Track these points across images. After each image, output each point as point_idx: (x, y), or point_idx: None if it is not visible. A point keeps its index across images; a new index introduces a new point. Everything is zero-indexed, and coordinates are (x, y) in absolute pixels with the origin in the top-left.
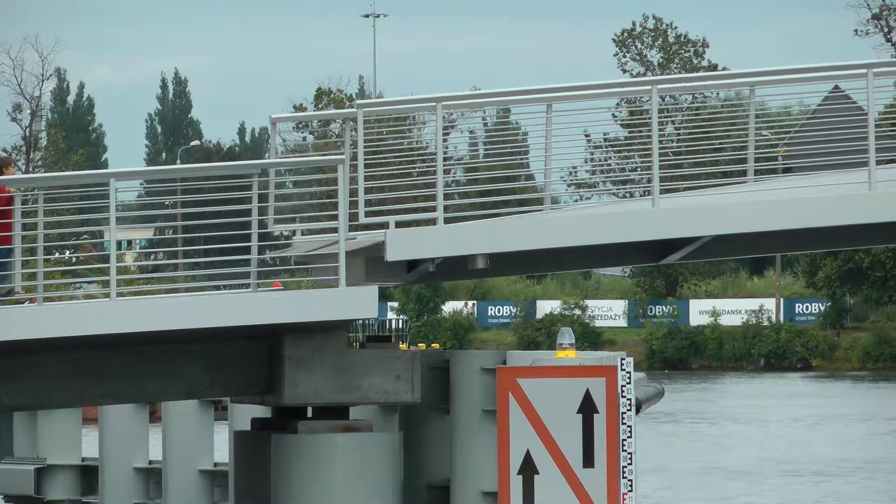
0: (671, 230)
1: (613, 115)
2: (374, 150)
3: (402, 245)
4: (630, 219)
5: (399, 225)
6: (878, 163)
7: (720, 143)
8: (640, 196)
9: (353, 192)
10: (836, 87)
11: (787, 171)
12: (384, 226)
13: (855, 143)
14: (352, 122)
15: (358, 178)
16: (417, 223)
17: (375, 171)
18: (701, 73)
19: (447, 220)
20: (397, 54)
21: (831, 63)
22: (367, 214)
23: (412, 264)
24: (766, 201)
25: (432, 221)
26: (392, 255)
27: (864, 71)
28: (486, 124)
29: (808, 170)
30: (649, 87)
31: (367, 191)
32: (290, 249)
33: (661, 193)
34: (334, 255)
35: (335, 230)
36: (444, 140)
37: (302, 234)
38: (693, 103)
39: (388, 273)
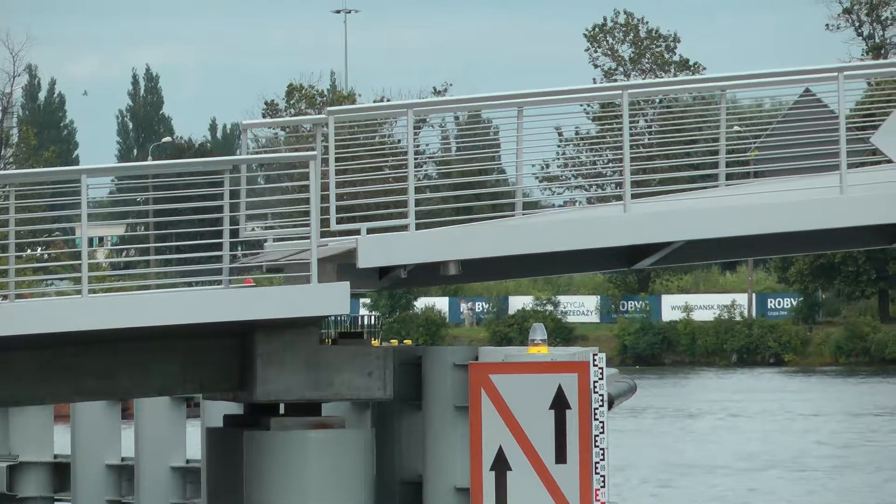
0: (642, 236)
1: (585, 110)
2: (344, 157)
3: (374, 252)
4: (601, 225)
5: (371, 231)
6: (850, 166)
7: (691, 141)
8: (612, 190)
9: (325, 199)
10: (807, 89)
11: (758, 174)
12: (356, 232)
13: (826, 147)
14: (322, 128)
15: (329, 185)
16: (389, 229)
17: (346, 178)
18: (671, 79)
19: (419, 223)
20: (368, 49)
21: (802, 67)
22: (339, 221)
23: (384, 271)
24: (738, 206)
25: (404, 227)
26: (364, 262)
27: (835, 74)
28: (457, 118)
29: (779, 173)
30: (619, 92)
31: (339, 197)
32: (261, 256)
33: (632, 197)
34: (306, 264)
35: (307, 237)
36: (416, 143)
37: (273, 241)
38: (664, 100)
39: (360, 280)
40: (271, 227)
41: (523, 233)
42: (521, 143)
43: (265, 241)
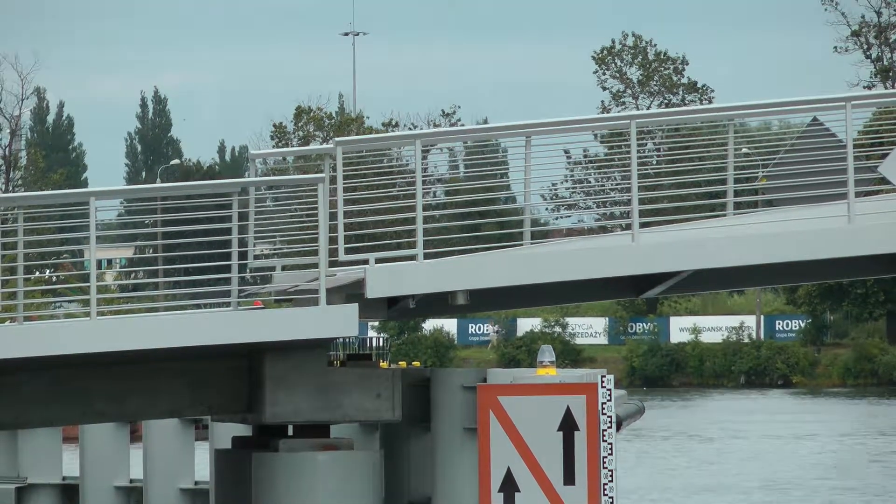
0: (651, 266)
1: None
2: (353, 187)
3: (382, 282)
4: (610, 254)
5: (379, 262)
6: (857, 194)
7: (699, 167)
8: (619, 215)
9: (333, 228)
10: (815, 118)
11: (766, 203)
12: (365, 262)
13: (834, 176)
14: (330, 158)
15: (337, 215)
16: (397, 258)
17: (354, 208)
18: (679, 108)
19: (428, 252)
20: (377, 72)
21: (810, 91)
22: (347, 251)
23: (392, 301)
24: (745, 235)
25: (412, 257)
26: (372, 292)
27: (843, 103)
28: (465, 142)
29: (787, 203)
30: (628, 122)
31: (347, 227)
32: (269, 286)
33: (640, 226)
34: (314, 291)
35: (315, 265)
36: (424, 166)
37: (283, 270)
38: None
39: (368, 310)
40: (280, 256)
41: (532, 262)
42: (530, 173)
43: (273, 269)
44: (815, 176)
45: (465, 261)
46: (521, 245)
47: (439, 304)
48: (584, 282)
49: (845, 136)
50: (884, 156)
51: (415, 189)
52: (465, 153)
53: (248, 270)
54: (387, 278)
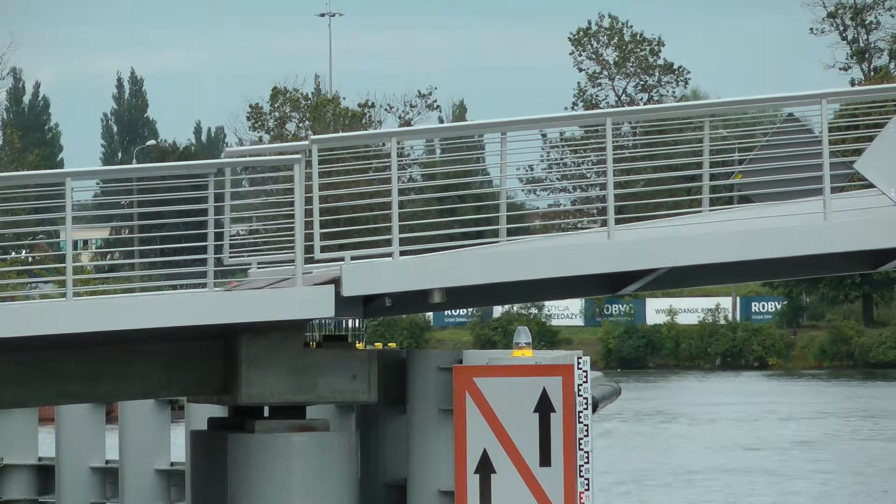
0: (626, 263)
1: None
2: (328, 172)
3: (358, 280)
4: (586, 252)
5: (355, 259)
6: (833, 190)
7: (674, 151)
8: (595, 200)
9: (308, 225)
10: (791, 114)
11: (742, 199)
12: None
13: (809, 172)
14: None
15: (313, 213)
16: (373, 255)
17: (330, 193)
18: (654, 106)
19: (405, 234)
20: (353, 53)
21: (785, 94)
22: (323, 249)
23: (368, 299)
24: (721, 232)
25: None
26: (348, 290)
27: (820, 100)
28: (441, 122)
29: (763, 199)
30: (603, 119)
31: (323, 212)
32: (245, 283)
33: (616, 223)
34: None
35: (291, 262)
36: (400, 155)
37: (258, 268)
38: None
39: (344, 308)
40: (254, 246)
41: (508, 260)
42: (506, 170)
43: (249, 266)
44: (790, 172)
45: (442, 259)
46: (498, 235)
47: (416, 301)
48: (561, 279)
49: (820, 132)
50: (858, 151)
51: (390, 175)
52: (441, 137)
53: (224, 253)
54: (363, 277)
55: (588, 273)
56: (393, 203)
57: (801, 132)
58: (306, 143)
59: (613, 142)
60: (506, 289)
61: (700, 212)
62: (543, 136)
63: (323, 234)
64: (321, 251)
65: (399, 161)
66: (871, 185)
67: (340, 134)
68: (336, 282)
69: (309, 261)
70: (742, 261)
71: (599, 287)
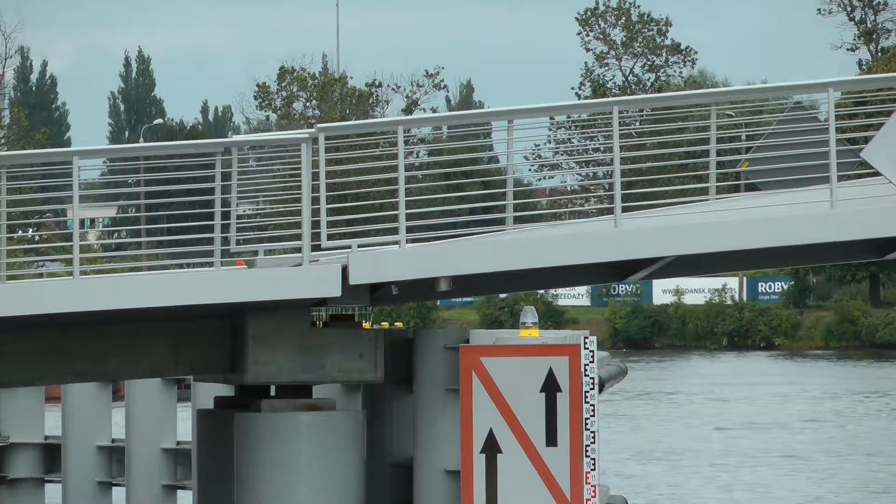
0: (633, 251)
1: (577, 94)
2: (335, 164)
3: (365, 269)
4: (593, 240)
5: (362, 247)
6: (840, 178)
7: (682, 139)
8: (602, 183)
9: (315, 213)
10: (798, 102)
11: (749, 187)
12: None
13: (817, 160)
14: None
15: (320, 201)
16: (380, 243)
17: (337, 185)
18: (660, 95)
19: (412, 222)
20: (360, 32)
21: (792, 83)
22: (330, 237)
23: (375, 287)
24: (728, 221)
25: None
26: (355, 278)
27: (826, 88)
28: (449, 102)
29: (770, 186)
30: (609, 108)
31: (329, 213)
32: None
33: (623, 211)
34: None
35: (298, 251)
36: (407, 134)
37: (265, 256)
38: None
39: (351, 296)
40: (262, 235)
41: (515, 248)
42: (513, 158)
43: (256, 254)
44: (797, 160)
45: (449, 247)
46: (504, 219)
47: (423, 289)
48: (568, 267)
49: (827, 121)
50: (866, 137)
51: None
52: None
53: (231, 232)
54: (370, 265)
55: (595, 261)
56: (400, 191)
57: (808, 120)
58: (313, 130)
59: (620, 124)
60: (513, 277)
61: (707, 200)
62: (551, 117)
63: (329, 223)
64: (328, 240)
65: (405, 137)
66: (877, 174)
67: (347, 122)
68: (343, 270)
69: (316, 248)
70: (748, 249)
71: (606, 275)
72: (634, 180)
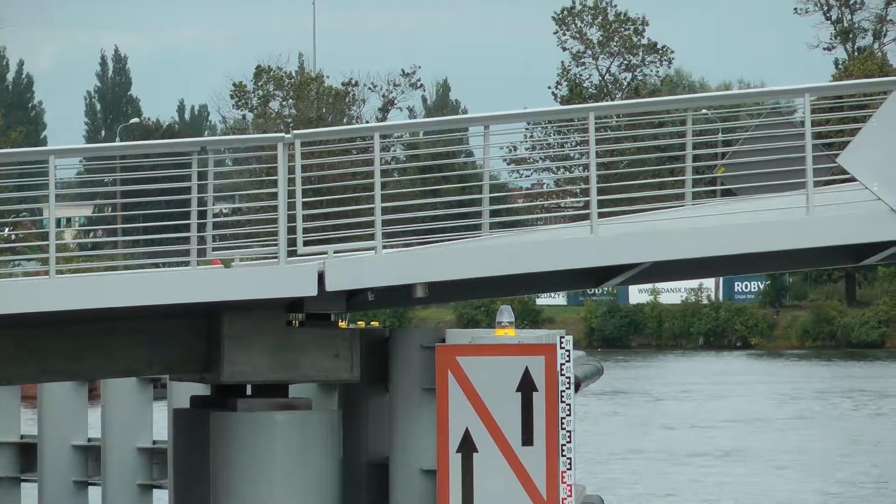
0: (609, 258)
1: (553, 94)
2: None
3: (341, 275)
4: (569, 247)
5: (338, 252)
6: (817, 184)
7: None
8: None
9: (291, 218)
10: (776, 104)
11: (725, 192)
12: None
13: (793, 165)
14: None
15: (296, 207)
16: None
17: (314, 165)
18: (637, 101)
19: (388, 218)
20: (337, 32)
21: (769, 89)
22: (306, 243)
23: (352, 293)
24: (704, 227)
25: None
26: (331, 285)
27: (803, 94)
28: (425, 101)
29: (745, 192)
30: (585, 113)
31: (305, 218)
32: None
33: (598, 216)
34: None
35: (275, 256)
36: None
37: (241, 261)
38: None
39: (327, 302)
40: (238, 238)
41: (491, 255)
42: (488, 165)
43: (232, 260)
44: (773, 165)
45: (425, 253)
46: (480, 236)
47: (399, 296)
48: (545, 274)
49: (803, 126)
50: (843, 143)
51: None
52: (425, 114)
53: (207, 231)
54: (346, 271)
55: (572, 268)
56: (376, 197)
57: (784, 125)
58: (289, 136)
59: (596, 124)
60: (489, 283)
61: (683, 206)
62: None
63: (305, 228)
64: (304, 245)
65: (382, 143)
66: (853, 179)
67: (323, 129)
68: (319, 276)
69: (292, 254)
70: (725, 255)
71: (583, 281)
72: (610, 179)
